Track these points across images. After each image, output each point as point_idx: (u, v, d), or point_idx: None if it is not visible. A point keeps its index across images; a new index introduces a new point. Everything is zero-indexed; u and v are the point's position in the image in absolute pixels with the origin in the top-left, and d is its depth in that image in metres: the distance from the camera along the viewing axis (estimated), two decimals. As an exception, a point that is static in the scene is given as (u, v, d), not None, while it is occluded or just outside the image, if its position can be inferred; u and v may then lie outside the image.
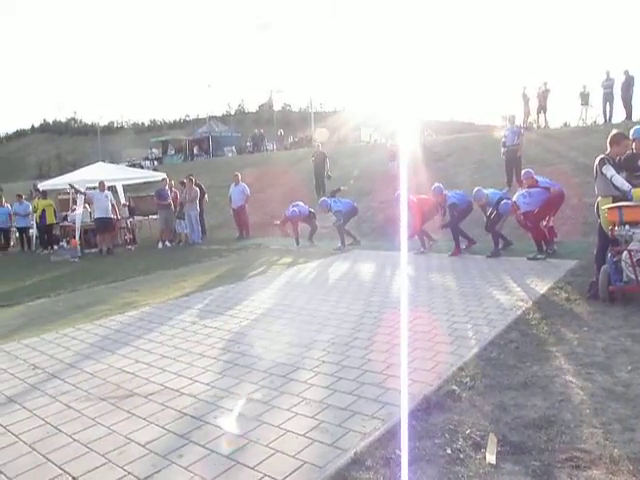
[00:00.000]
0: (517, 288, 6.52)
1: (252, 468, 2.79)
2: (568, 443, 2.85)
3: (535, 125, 21.01)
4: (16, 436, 3.35)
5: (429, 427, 3.13)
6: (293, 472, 2.73)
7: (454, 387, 3.68)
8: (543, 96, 19.95)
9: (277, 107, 62.55)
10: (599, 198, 6.05)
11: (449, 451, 2.85)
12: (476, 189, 9.32)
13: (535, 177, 8.58)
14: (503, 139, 13.35)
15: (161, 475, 2.79)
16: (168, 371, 4.36)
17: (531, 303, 5.75)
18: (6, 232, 15.81)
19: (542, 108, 20.29)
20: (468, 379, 3.80)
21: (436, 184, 9.74)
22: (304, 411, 3.45)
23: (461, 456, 2.80)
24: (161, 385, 4.06)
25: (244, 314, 6.09)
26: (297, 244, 11.53)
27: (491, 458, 2.74)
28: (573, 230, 9.78)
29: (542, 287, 6.40)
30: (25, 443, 3.25)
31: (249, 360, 4.51)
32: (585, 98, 20.63)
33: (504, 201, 8.73)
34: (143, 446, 3.12)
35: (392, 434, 3.04)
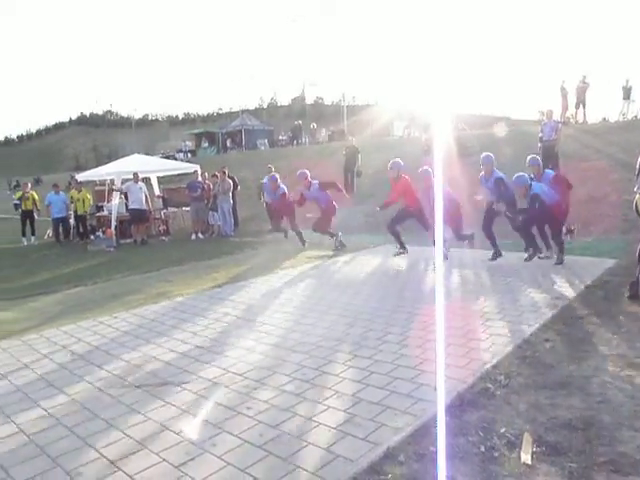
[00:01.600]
0: (553, 286, 6.40)
1: (284, 459, 2.81)
2: (607, 446, 2.78)
3: (573, 120, 20.51)
4: (57, 419, 3.45)
5: (463, 424, 3.10)
6: (326, 465, 2.73)
7: (488, 385, 3.63)
8: (582, 90, 19.45)
9: (310, 100, 62.56)
10: (637, 195, 5.88)
11: (483, 449, 2.82)
12: (519, 174, 7.60)
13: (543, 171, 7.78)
14: (540, 134, 13.11)
15: (195, 463, 2.83)
16: (201, 361, 4.41)
17: (567, 302, 5.63)
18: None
19: (581, 102, 19.78)
20: (502, 377, 3.75)
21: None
22: (336, 404, 3.45)
23: (495, 454, 2.77)
24: (194, 375, 4.11)
25: (276, 306, 6.13)
26: (303, 245, 10.76)
27: (526, 458, 2.70)
28: (612, 228, 9.55)
29: (579, 286, 6.26)
30: (65, 426, 3.34)
31: (281, 352, 4.53)
32: (627, 92, 20.04)
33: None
34: (177, 434, 3.17)
35: (425, 430, 3.01)
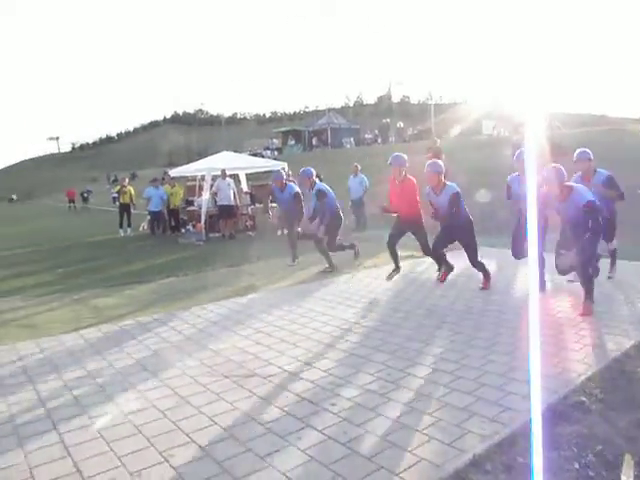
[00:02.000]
0: (656, 297, 5.97)
1: (368, 459, 2.80)
2: None
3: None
4: (150, 402, 3.64)
5: (554, 437, 2.95)
6: (410, 467, 2.70)
7: (582, 398, 3.44)
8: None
9: (396, 99, 62.11)
10: None
11: (577, 466, 2.68)
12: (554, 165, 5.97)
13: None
14: (644, 133, 12.28)
15: (280, 454, 2.89)
16: (287, 355, 4.50)
17: (673, 314, 5.24)
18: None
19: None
20: (598, 391, 3.54)
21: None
22: (421, 407, 3.40)
23: (591, 473, 2.62)
24: (280, 368, 4.20)
25: (360, 305, 6.13)
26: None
27: (627, 481, 2.53)
28: None
29: (686, 298, 5.81)
30: (158, 409, 3.51)
31: (366, 351, 4.53)
32: None
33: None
34: (263, 425, 3.24)
35: (513, 440, 2.91)
